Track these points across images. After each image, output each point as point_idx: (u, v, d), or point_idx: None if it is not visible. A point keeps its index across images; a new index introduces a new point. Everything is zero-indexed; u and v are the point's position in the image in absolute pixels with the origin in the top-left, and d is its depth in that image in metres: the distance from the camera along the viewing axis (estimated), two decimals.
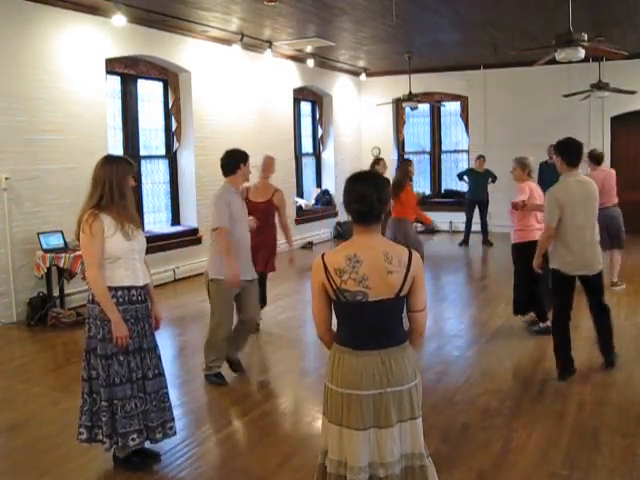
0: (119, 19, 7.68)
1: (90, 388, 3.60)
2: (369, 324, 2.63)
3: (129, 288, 3.58)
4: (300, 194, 13.34)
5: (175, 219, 10.07)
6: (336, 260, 2.62)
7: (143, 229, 3.87)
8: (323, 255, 2.67)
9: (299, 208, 12.82)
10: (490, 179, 12.01)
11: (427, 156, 15.05)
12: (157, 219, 9.89)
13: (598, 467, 3.67)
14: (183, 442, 4.12)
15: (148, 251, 9.95)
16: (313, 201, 13.68)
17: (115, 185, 3.53)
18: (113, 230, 3.51)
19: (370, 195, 2.59)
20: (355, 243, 2.66)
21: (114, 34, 8.23)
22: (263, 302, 6.35)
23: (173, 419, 3.81)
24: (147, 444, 3.75)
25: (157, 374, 3.72)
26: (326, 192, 13.96)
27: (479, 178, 12.07)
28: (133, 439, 3.56)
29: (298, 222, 12.57)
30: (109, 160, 3.65)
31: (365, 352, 2.63)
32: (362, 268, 2.57)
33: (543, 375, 5.19)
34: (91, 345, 3.58)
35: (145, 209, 9.55)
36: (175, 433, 3.84)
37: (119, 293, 3.55)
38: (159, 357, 3.76)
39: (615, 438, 4.02)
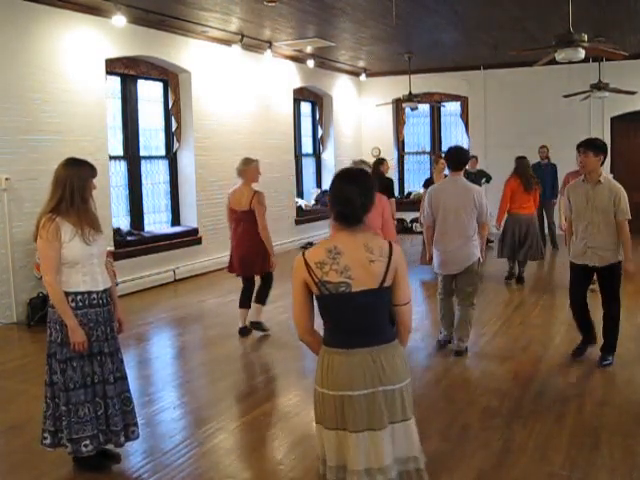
0: (119, 19, 7.69)
1: (52, 393, 3.58)
2: (355, 319, 2.59)
3: (89, 292, 3.54)
4: (300, 194, 13.34)
5: (175, 219, 10.06)
6: (316, 254, 2.59)
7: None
8: (304, 253, 2.64)
9: (299, 208, 12.82)
10: (484, 179, 11.89)
11: (427, 156, 15.05)
12: (157, 219, 9.88)
13: (598, 467, 3.67)
14: (183, 442, 4.13)
15: (148, 252, 9.93)
16: (313, 201, 13.69)
17: (76, 188, 3.50)
18: (71, 235, 3.46)
19: (354, 200, 2.57)
20: (335, 238, 2.64)
21: (114, 34, 8.23)
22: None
23: (136, 423, 3.78)
24: (110, 446, 3.73)
25: (119, 377, 3.68)
26: (326, 192, 13.92)
27: (472, 179, 11.97)
28: (86, 445, 3.52)
29: (298, 222, 12.58)
30: (71, 163, 3.61)
31: (354, 350, 2.58)
32: (343, 259, 2.55)
33: (543, 375, 5.19)
34: (51, 349, 3.56)
35: (145, 209, 9.55)
36: (138, 436, 3.80)
37: (79, 297, 3.51)
38: (121, 360, 3.73)
39: (615, 438, 4.01)
